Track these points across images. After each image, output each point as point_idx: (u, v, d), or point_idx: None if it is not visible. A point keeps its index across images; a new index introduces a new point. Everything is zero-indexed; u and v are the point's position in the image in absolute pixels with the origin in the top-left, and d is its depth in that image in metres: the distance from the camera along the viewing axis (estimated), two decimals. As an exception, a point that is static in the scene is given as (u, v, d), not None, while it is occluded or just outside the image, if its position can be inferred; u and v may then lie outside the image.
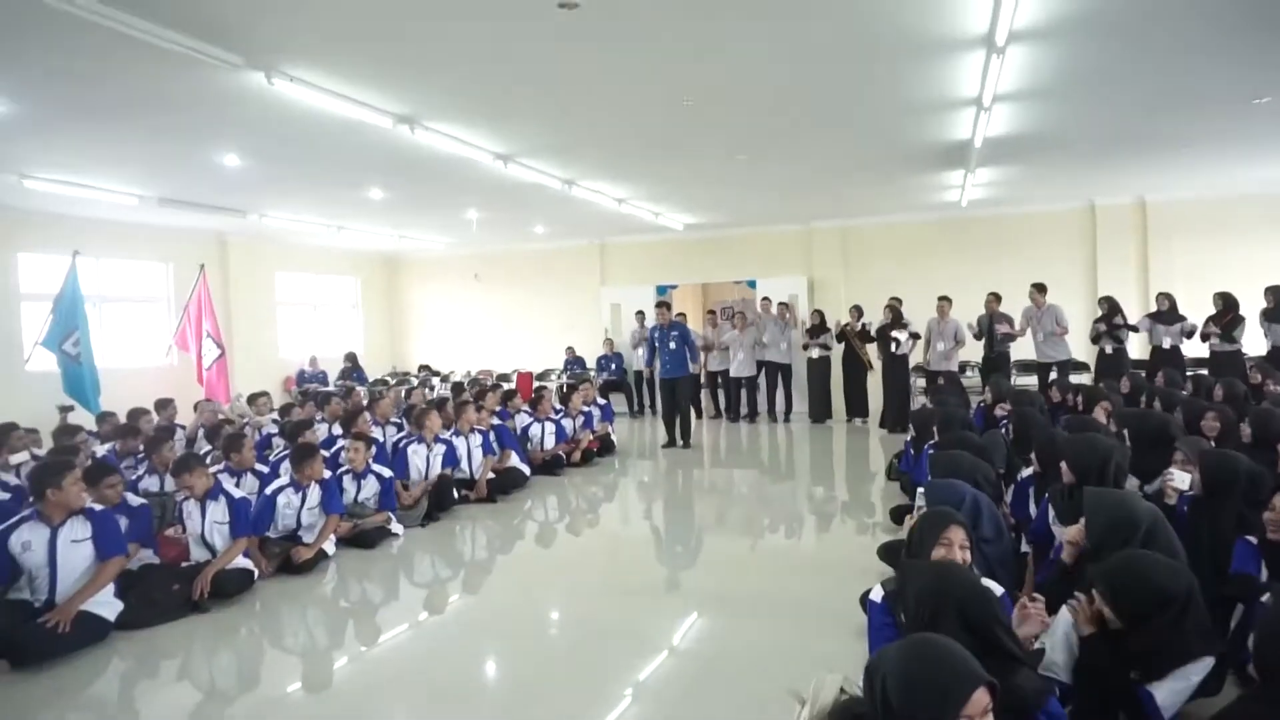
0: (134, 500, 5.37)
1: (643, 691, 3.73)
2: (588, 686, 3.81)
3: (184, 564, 5.22)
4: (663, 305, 10.45)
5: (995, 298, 10.95)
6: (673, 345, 10.23)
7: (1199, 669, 2.56)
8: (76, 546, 4.47)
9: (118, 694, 3.98)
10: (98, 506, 4.72)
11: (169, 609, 4.73)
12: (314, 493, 5.90)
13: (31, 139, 7.20)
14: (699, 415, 13.04)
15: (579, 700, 3.64)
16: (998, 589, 2.85)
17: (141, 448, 7.31)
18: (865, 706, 2.01)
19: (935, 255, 13.19)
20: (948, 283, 12.34)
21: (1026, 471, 4.86)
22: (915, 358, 11.54)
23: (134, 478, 6.63)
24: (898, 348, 10.99)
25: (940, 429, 5.74)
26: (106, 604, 4.45)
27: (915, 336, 11.11)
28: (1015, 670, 2.30)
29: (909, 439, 7.03)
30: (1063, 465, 4.13)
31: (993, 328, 10.82)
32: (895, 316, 11.13)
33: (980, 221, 12.94)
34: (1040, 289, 10.61)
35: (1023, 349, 11.13)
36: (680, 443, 10.18)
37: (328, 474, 6.07)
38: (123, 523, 5.18)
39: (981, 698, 1.90)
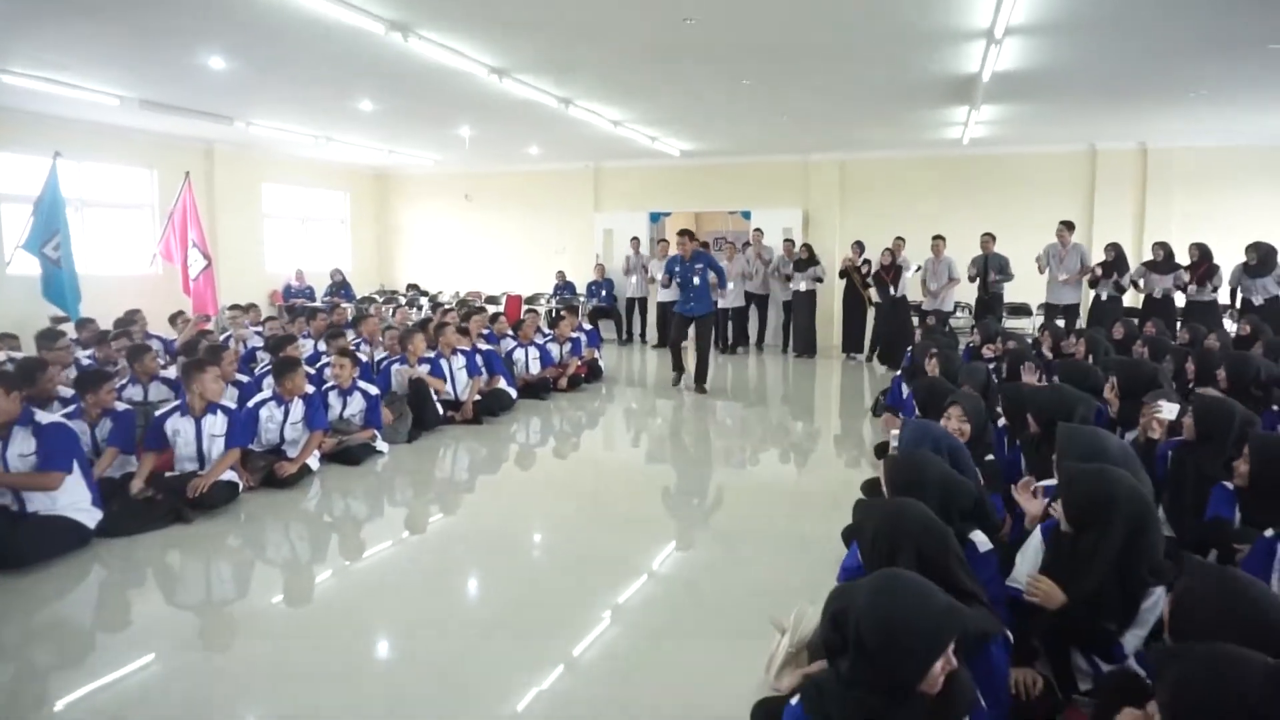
0: (119, 406, 5.33)
1: (621, 614, 3.76)
2: (566, 607, 3.83)
3: (167, 474, 5.19)
4: (686, 234, 9.14)
5: (990, 238, 10.87)
6: (696, 281, 8.97)
7: (1151, 603, 2.57)
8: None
9: (96, 601, 3.99)
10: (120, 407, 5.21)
11: (151, 518, 4.73)
12: (297, 408, 5.87)
13: (10, 32, 6.91)
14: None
15: (556, 620, 3.67)
16: (983, 542, 2.87)
17: (122, 357, 7.23)
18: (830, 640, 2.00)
19: (933, 193, 13.05)
20: (944, 221, 12.24)
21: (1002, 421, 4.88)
22: (948, 302, 11.48)
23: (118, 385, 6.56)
24: (896, 290, 10.93)
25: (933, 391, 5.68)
26: (86, 511, 4.44)
27: (918, 269, 11.10)
28: (968, 606, 2.33)
29: (897, 375, 7.03)
30: (1028, 416, 4.14)
31: (987, 268, 10.77)
32: (893, 259, 11.05)
33: (980, 160, 12.77)
34: (1069, 226, 10.47)
35: (1021, 290, 11.10)
36: (695, 385, 9.21)
37: (311, 389, 6.02)
38: (106, 427, 5.17)
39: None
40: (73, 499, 4.39)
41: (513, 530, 4.95)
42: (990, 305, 10.80)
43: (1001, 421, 4.71)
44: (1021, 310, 11.62)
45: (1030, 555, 2.86)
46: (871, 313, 11.70)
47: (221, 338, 9.06)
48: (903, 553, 2.38)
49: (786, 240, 12.67)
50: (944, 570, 2.37)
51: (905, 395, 6.51)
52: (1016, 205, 12.43)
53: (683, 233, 9.20)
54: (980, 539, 2.87)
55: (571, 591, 4.03)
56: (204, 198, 12.65)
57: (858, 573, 2.77)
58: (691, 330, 9.18)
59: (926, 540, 2.43)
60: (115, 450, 5.18)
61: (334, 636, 3.54)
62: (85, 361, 7.17)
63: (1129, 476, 2.72)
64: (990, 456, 4.14)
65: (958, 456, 3.36)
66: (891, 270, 11.01)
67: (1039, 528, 2.91)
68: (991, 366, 6.67)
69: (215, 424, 5.24)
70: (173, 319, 9.39)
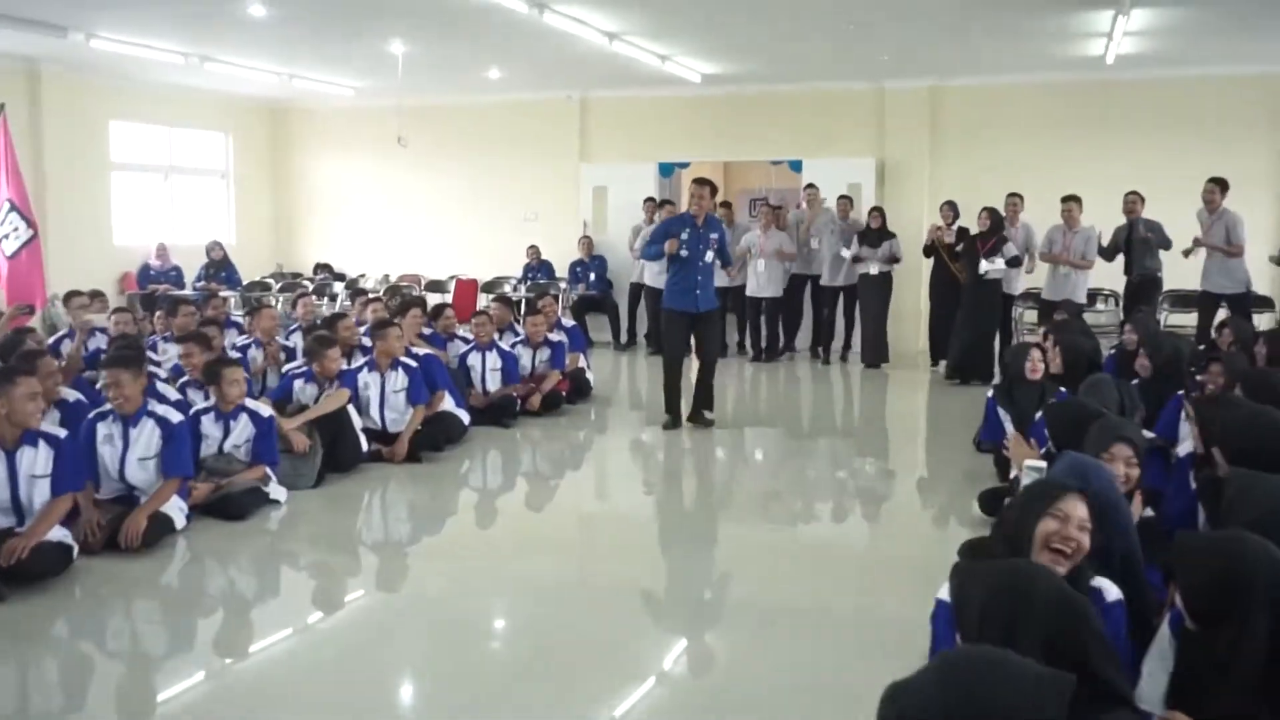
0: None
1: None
2: (541, 713, 3.81)
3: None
4: (704, 184, 8.64)
5: (1138, 199, 10.85)
6: (710, 256, 8.61)
7: None
8: None
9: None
10: None
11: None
12: (147, 435, 5.81)
13: None
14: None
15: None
16: (1110, 590, 2.89)
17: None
18: None
19: (1062, 135, 13.03)
20: (1078, 174, 12.21)
21: (1184, 447, 4.84)
22: (1016, 284, 11.45)
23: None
24: (986, 274, 10.91)
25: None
26: None
27: (1014, 263, 11.01)
28: (1108, 711, 2.36)
29: (991, 398, 6.99)
30: (1215, 451, 4.14)
31: (1132, 239, 10.74)
32: (995, 225, 11.02)
33: (1130, 88, 12.76)
34: (1220, 186, 10.45)
35: (1180, 273, 11.06)
36: (692, 416, 8.80)
37: (171, 414, 5.95)
38: None
39: None
40: None
41: (464, 612, 4.91)
42: (1143, 293, 10.77)
43: (1185, 447, 4.69)
44: (1187, 300, 11.58)
45: (1160, 658, 2.86)
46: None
47: (53, 339, 9.06)
48: (1025, 634, 2.37)
49: (842, 198, 12.66)
50: (1081, 659, 2.36)
51: (1009, 420, 6.50)
52: (1183, 152, 12.39)
53: (703, 182, 8.69)
54: (1107, 586, 2.91)
55: (550, 702, 3.98)
56: (25, 141, 12.66)
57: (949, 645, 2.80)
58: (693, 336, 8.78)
59: (1060, 618, 2.42)
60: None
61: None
62: None
63: (1270, 548, 2.72)
64: (1148, 511, 4.10)
65: (1113, 516, 3.34)
66: (990, 240, 10.95)
67: (1166, 620, 2.90)
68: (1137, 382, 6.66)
69: (34, 459, 5.19)
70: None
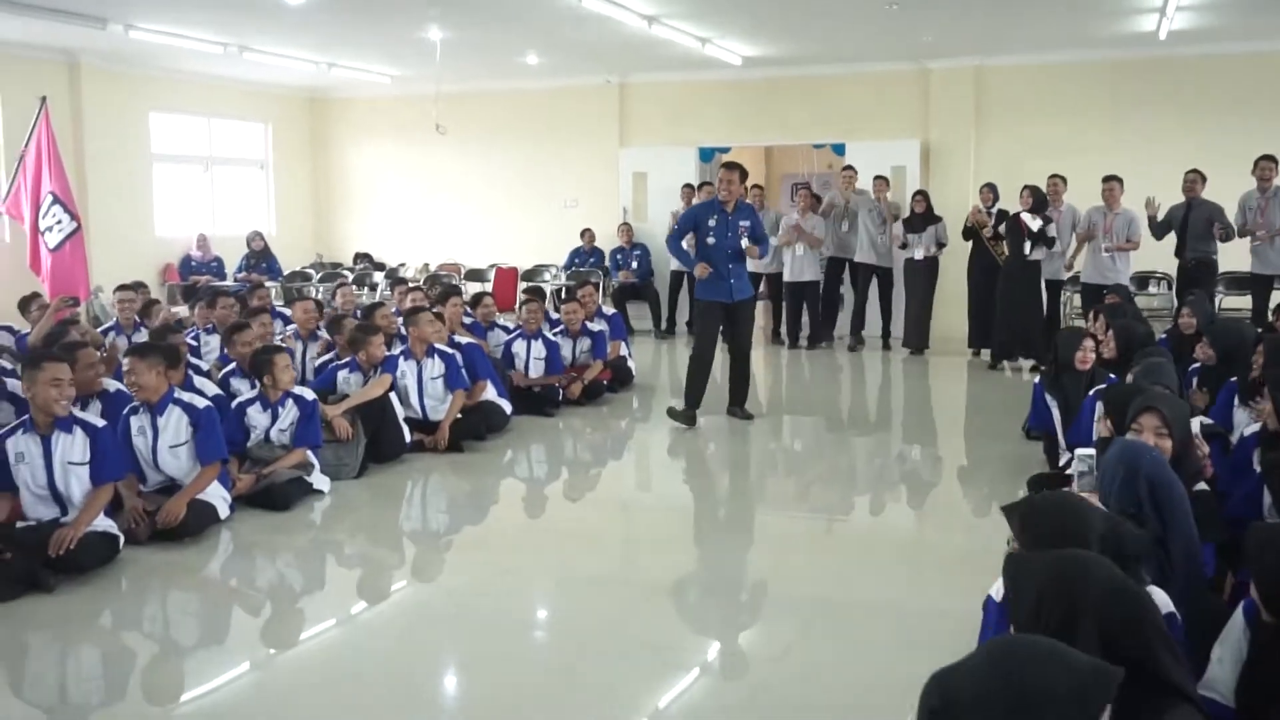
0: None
1: (672, 711, 3.74)
2: (588, 702, 3.81)
3: (18, 524, 5.25)
4: (733, 169, 8.35)
5: (1198, 178, 10.68)
6: (745, 241, 8.31)
7: None
8: None
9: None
10: None
11: (-2, 585, 4.78)
12: (174, 423, 5.85)
13: None
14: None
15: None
16: (1164, 602, 2.84)
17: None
18: None
19: (1112, 115, 12.88)
20: (1129, 155, 12.05)
21: (1251, 427, 4.84)
22: (1054, 267, 11.32)
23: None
24: (1031, 250, 10.78)
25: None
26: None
27: (1048, 242, 10.85)
28: (1170, 709, 2.30)
29: (1038, 384, 6.92)
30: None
31: (1189, 219, 10.57)
32: (1037, 203, 10.88)
33: (1185, 66, 12.58)
34: (1272, 162, 10.28)
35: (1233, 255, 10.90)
36: (731, 408, 8.66)
37: (197, 400, 5.99)
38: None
39: None
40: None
41: (508, 604, 4.94)
42: (1198, 277, 10.61)
43: (1249, 428, 4.64)
44: (1242, 282, 11.41)
45: (1233, 646, 2.83)
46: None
47: (100, 329, 9.18)
48: (1082, 625, 2.34)
49: (878, 179, 12.54)
50: (1141, 653, 2.33)
51: (1056, 407, 6.46)
52: (1243, 131, 12.17)
53: (731, 167, 8.38)
54: (1160, 597, 2.85)
55: (593, 693, 3.99)
56: (67, 133, 12.83)
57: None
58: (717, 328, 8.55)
59: (1119, 608, 2.38)
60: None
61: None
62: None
63: None
64: (1203, 485, 4.06)
65: (1166, 495, 3.31)
66: (1033, 224, 10.81)
67: (1240, 607, 2.86)
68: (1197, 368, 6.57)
69: (71, 446, 5.26)
70: (24, 304, 9.50)
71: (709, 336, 8.48)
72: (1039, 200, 10.84)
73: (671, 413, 8.35)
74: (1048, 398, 6.62)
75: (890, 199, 12.41)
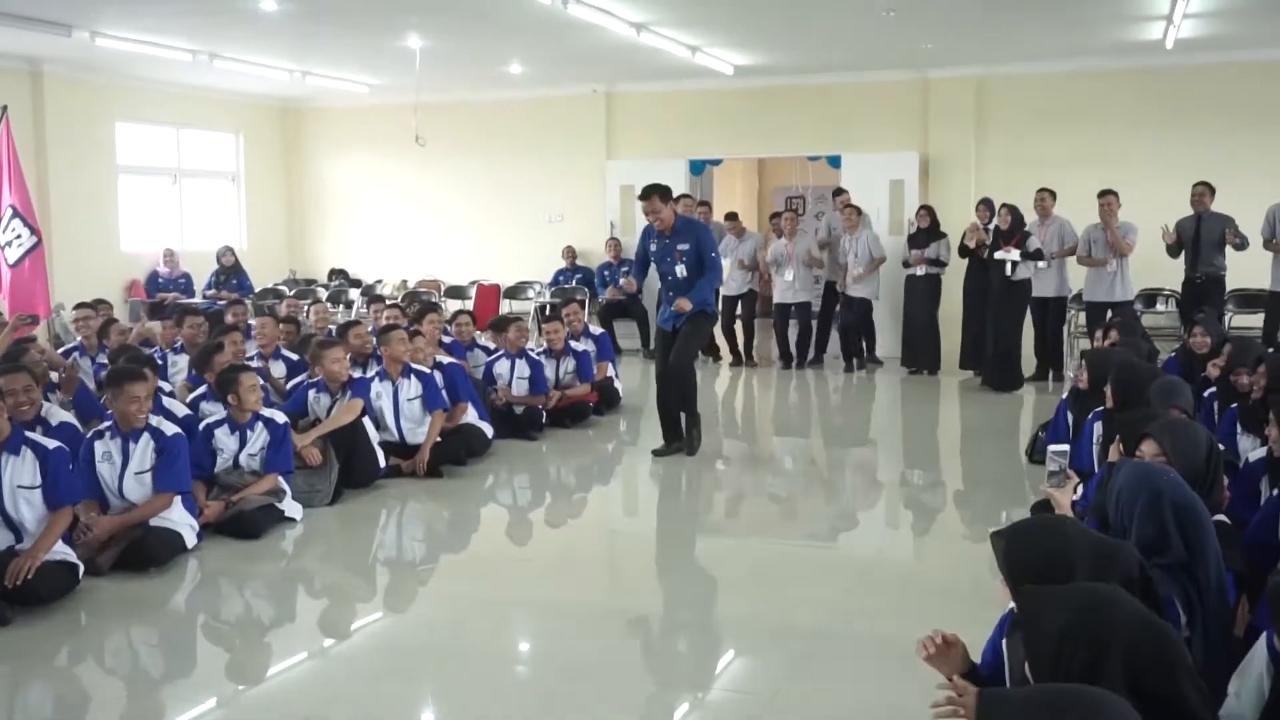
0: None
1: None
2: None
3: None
4: (648, 195, 7.90)
5: (1206, 190, 10.73)
6: (681, 270, 7.97)
7: None
8: None
9: None
10: None
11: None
12: (141, 449, 5.82)
13: None
14: (715, 357, 13.10)
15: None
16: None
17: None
18: None
19: (1119, 126, 12.93)
20: (1135, 167, 12.11)
21: (1256, 453, 4.84)
22: (1044, 282, 11.33)
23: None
24: (1013, 271, 10.83)
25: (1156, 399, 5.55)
26: None
27: (1035, 257, 10.87)
28: None
29: (1064, 400, 6.93)
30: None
31: (1199, 234, 10.62)
32: (1015, 222, 10.95)
33: (1192, 75, 12.65)
34: None
35: (1245, 269, 10.94)
36: (684, 441, 8.18)
37: (166, 426, 5.95)
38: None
39: None
40: None
41: (488, 635, 4.92)
42: (1205, 293, 10.64)
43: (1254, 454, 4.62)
44: (1254, 300, 11.44)
45: (1253, 682, 2.80)
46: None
47: (62, 349, 9.13)
48: (1109, 664, 2.32)
49: (839, 192, 12.73)
50: (1170, 691, 2.31)
51: (1074, 427, 6.43)
52: (1251, 143, 12.28)
53: (647, 194, 7.92)
54: None
55: (578, 729, 3.96)
56: (29, 144, 12.78)
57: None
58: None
59: (1147, 645, 2.36)
60: None
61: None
62: None
63: None
64: (1220, 516, 4.05)
65: (1190, 518, 3.30)
66: (1015, 238, 10.86)
67: (1264, 643, 2.84)
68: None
69: (20, 469, 5.20)
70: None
71: (659, 364, 8.22)
72: (1017, 219, 10.91)
73: (658, 453, 8.12)
74: (1069, 416, 6.64)
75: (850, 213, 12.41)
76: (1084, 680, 2.28)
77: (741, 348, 12.99)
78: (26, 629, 4.82)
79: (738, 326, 12.98)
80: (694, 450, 8.14)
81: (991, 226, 11.40)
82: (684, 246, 7.96)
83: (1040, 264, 10.92)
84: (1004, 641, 2.88)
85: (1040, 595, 2.57)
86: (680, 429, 8.14)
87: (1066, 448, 4.52)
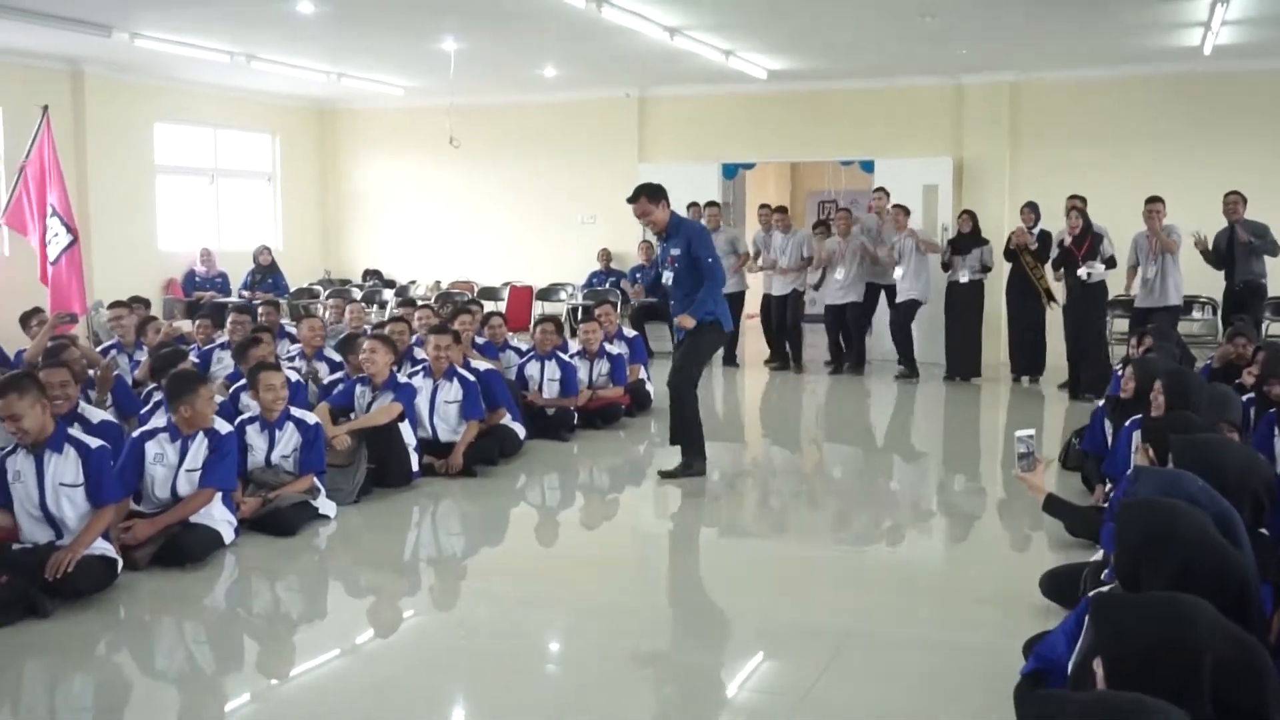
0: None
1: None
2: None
3: (15, 546, 5.27)
4: (635, 198, 7.36)
5: (1239, 199, 10.65)
6: (668, 275, 7.53)
7: None
8: None
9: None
10: None
11: (-8, 609, 4.80)
12: (197, 447, 5.90)
13: None
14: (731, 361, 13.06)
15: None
16: None
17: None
18: None
19: (1155, 132, 12.87)
20: (1171, 174, 12.04)
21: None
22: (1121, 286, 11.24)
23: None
24: (1089, 277, 10.71)
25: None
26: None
27: (1109, 264, 10.80)
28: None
29: (1101, 407, 6.90)
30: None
31: (1234, 243, 10.54)
32: (1085, 226, 10.82)
33: (1229, 82, 12.58)
34: None
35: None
36: (688, 462, 7.53)
37: (221, 426, 6.04)
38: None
39: None
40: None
41: (527, 629, 4.96)
42: (1247, 300, 10.56)
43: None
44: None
45: None
46: (1054, 312, 11.49)
47: (100, 347, 9.23)
48: (1199, 674, 2.28)
49: (877, 191, 12.72)
50: (1255, 704, 2.30)
51: (1111, 435, 6.38)
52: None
53: (635, 196, 7.36)
54: None
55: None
56: (69, 144, 12.93)
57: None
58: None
59: (1234, 654, 2.33)
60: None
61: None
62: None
63: None
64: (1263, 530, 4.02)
65: (1229, 527, 3.26)
66: (1086, 240, 10.74)
67: None
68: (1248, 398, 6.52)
69: (63, 465, 5.27)
70: (26, 319, 9.56)
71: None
72: (1087, 224, 10.72)
73: (664, 474, 7.51)
74: (1107, 423, 6.60)
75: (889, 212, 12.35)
76: (1169, 690, 2.21)
77: (789, 350, 13.00)
78: (66, 621, 4.89)
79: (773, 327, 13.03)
80: (699, 471, 7.47)
81: (1035, 230, 11.35)
82: (675, 251, 7.39)
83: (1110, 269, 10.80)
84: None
85: (1118, 609, 2.51)
86: (687, 445, 7.50)
87: (1033, 431, 4.79)
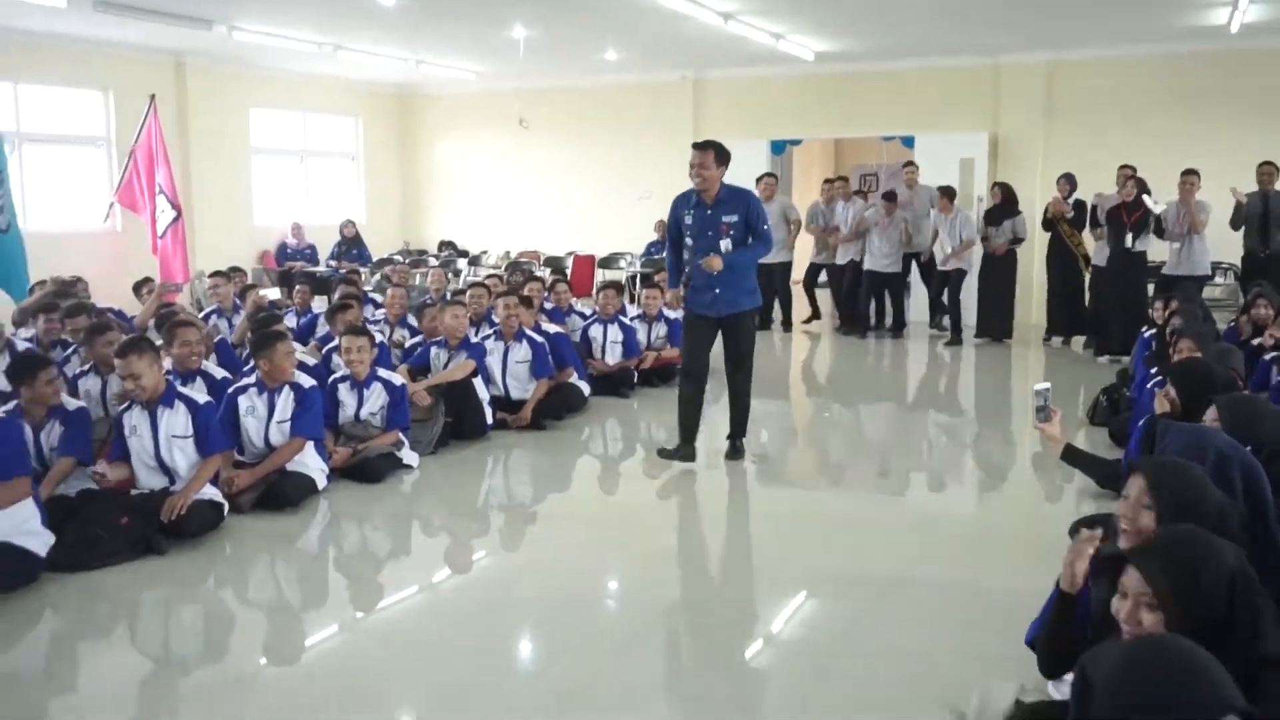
0: (71, 403, 5.60)
1: (740, 679, 3.80)
2: (661, 670, 3.91)
3: (133, 491, 5.45)
4: (705, 148, 6.55)
5: (1274, 169, 10.44)
6: (727, 244, 6.46)
7: None
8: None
9: (46, 655, 4.23)
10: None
11: (114, 548, 4.96)
12: (284, 400, 6.06)
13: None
14: (786, 326, 13.06)
15: (647, 689, 3.73)
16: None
17: (68, 335, 7.59)
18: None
19: (1184, 109, 12.65)
20: (1200, 149, 11.83)
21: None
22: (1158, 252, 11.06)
23: (73, 374, 6.89)
24: (1134, 241, 10.43)
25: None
26: (35, 534, 4.70)
27: (1158, 231, 10.54)
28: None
29: (1141, 340, 6.80)
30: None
31: (1268, 212, 10.33)
32: (1141, 191, 10.53)
33: (1257, 59, 12.32)
34: None
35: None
36: (729, 445, 7.00)
37: (305, 380, 6.17)
38: (56, 431, 5.44)
39: None
40: (17, 519, 4.65)
41: (589, 569, 5.05)
42: (1267, 267, 10.37)
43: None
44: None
45: None
46: (1088, 278, 11.37)
47: (202, 313, 9.44)
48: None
49: (907, 165, 12.67)
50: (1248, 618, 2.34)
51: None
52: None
53: (704, 147, 6.56)
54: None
55: (657, 665, 4.09)
56: (173, 129, 13.17)
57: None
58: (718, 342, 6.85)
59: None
60: (71, 461, 5.43)
61: (337, 716, 3.66)
62: (22, 344, 7.49)
63: None
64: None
65: (1254, 485, 3.23)
66: (1135, 210, 10.49)
67: None
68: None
69: (174, 419, 5.44)
70: (138, 288, 9.82)
71: (693, 355, 6.82)
72: (1143, 188, 10.49)
73: (663, 453, 6.88)
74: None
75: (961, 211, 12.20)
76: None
77: (842, 314, 13.02)
78: (179, 559, 5.07)
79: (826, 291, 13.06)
80: (741, 454, 6.97)
81: (1071, 200, 11.24)
82: (732, 218, 6.50)
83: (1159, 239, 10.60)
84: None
85: (1096, 656, 2.21)
86: (696, 422, 6.90)
87: (1049, 385, 4.63)
